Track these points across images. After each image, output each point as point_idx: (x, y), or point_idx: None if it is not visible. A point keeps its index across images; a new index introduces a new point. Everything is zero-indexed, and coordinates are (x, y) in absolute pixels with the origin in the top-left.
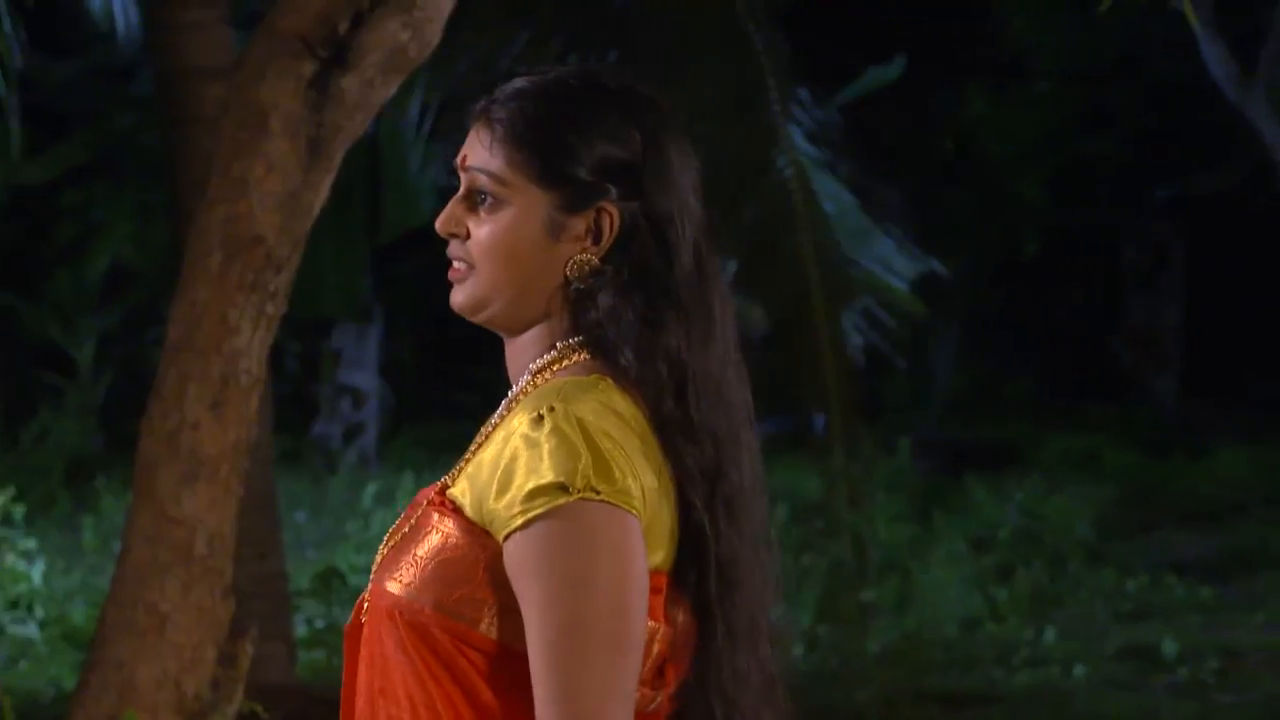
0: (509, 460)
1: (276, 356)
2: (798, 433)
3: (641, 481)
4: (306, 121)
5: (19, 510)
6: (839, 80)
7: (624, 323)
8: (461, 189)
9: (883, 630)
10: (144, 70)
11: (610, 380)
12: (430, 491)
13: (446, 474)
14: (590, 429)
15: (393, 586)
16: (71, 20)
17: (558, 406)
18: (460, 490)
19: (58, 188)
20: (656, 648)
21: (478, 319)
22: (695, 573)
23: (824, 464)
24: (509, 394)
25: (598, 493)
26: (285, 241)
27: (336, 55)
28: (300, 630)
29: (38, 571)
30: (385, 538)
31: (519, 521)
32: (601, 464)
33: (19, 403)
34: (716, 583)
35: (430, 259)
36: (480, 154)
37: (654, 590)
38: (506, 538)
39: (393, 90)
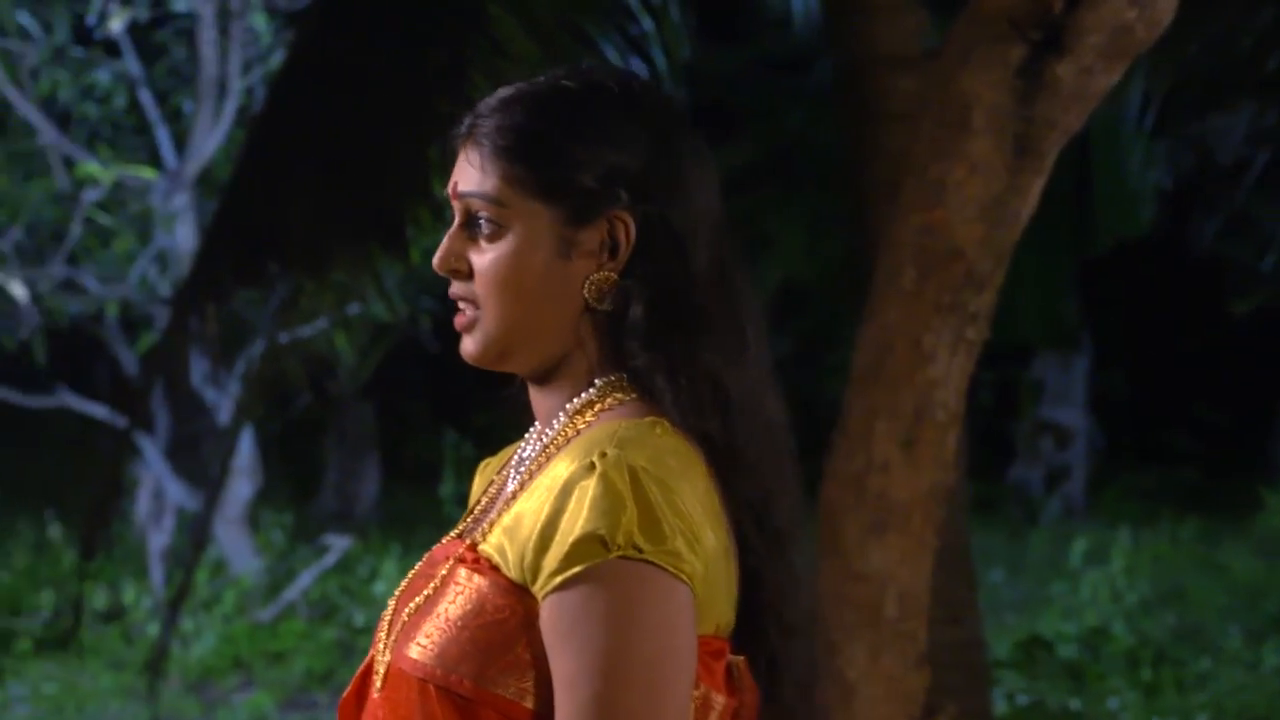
0: (552, 512)
1: (969, 389)
2: None
3: (702, 541)
4: (1014, 116)
5: None
6: None
7: (656, 342)
8: (456, 219)
9: None
10: (822, 60)
11: (667, 423)
12: (453, 548)
13: (462, 528)
14: (642, 479)
15: (419, 653)
16: (742, 6)
17: (610, 453)
18: (496, 545)
19: (722, 193)
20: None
21: (497, 367)
22: (751, 623)
23: None
24: (537, 438)
25: (640, 551)
26: (987, 255)
27: (1050, 38)
28: (999, 706)
29: None
30: (396, 597)
31: (556, 581)
32: (649, 519)
33: None
34: (775, 631)
35: (1148, 275)
36: (471, 176)
37: (715, 655)
38: (543, 599)
39: (1115, 78)
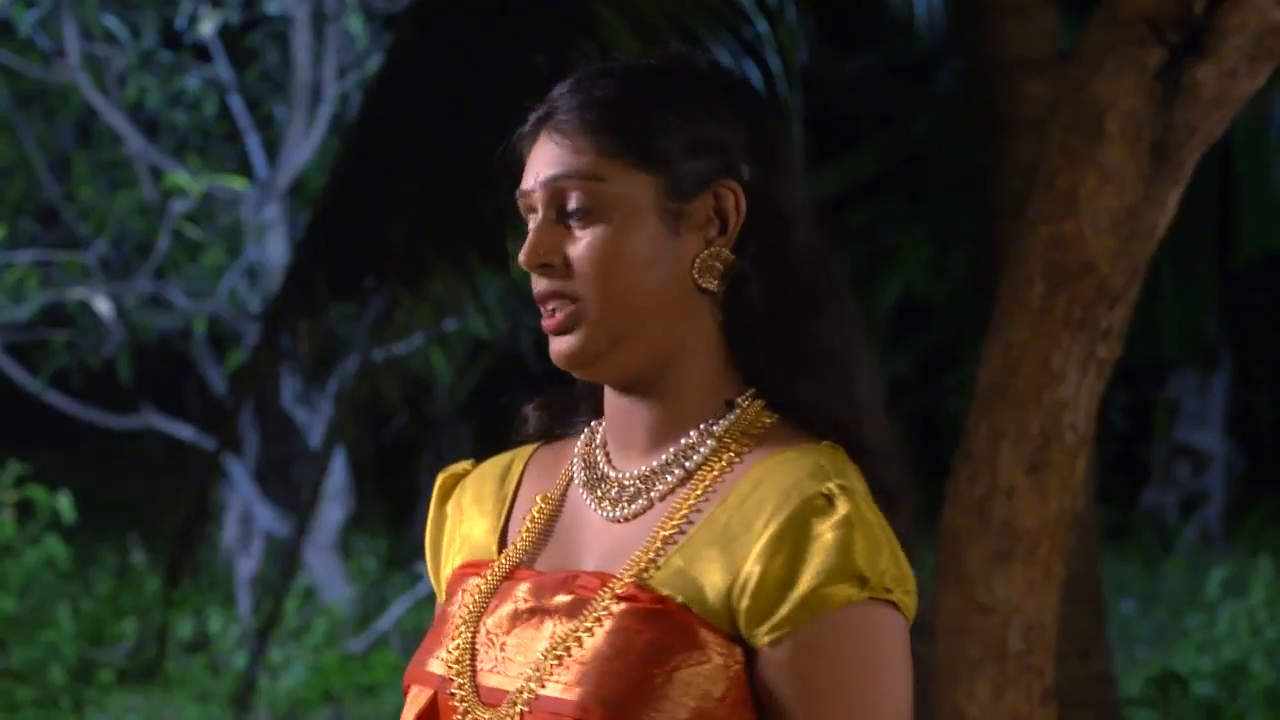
0: (789, 551)
1: (1100, 410)
2: None
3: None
4: (1151, 122)
5: None
6: None
7: (781, 329)
8: (541, 213)
9: None
10: (947, 65)
11: (839, 446)
12: (574, 578)
13: (521, 556)
14: (880, 518)
15: (583, 695)
16: (864, 8)
17: (849, 486)
18: (673, 582)
19: (842, 205)
20: None
21: (600, 365)
22: None
23: None
24: (653, 461)
25: (889, 591)
26: (1121, 269)
27: (1190, 40)
28: None
29: None
30: (464, 628)
31: (793, 628)
32: (895, 558)
33: None
34: None
35: None
36: (558, 158)
37: None
38: (774, 643)
39: (1260, 82)
